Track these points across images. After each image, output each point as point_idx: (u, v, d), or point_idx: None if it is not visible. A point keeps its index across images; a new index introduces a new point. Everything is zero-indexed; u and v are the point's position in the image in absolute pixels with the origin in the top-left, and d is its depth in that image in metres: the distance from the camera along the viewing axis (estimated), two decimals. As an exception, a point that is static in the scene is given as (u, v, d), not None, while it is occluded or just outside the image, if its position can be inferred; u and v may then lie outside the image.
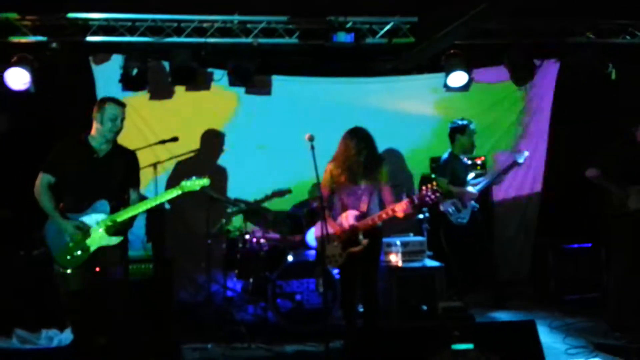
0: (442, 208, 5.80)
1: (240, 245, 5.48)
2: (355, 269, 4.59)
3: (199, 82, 6.20)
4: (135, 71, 5.84)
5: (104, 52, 6.07)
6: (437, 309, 4.55)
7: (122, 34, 5.77)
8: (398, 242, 5.46)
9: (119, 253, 4.03)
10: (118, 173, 4.05)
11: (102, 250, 3.95)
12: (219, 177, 6.32)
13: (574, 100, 6.58)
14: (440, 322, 4.27)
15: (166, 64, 6.15)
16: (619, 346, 4.57)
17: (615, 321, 4.93)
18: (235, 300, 5.80)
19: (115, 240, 3.96)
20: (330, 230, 4.52)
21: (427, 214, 5.75)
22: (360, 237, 4.49)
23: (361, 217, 4.54)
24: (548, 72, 6.68)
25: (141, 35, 5.80)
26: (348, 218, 4.58)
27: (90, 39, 5.74)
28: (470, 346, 3.46)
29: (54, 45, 5.66)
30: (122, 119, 4.04)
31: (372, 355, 3.63)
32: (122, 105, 4.07)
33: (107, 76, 6.04)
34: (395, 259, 5.44)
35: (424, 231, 5.73)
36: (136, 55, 5.90)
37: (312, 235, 5.01)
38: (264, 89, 6.44)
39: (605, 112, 6.65)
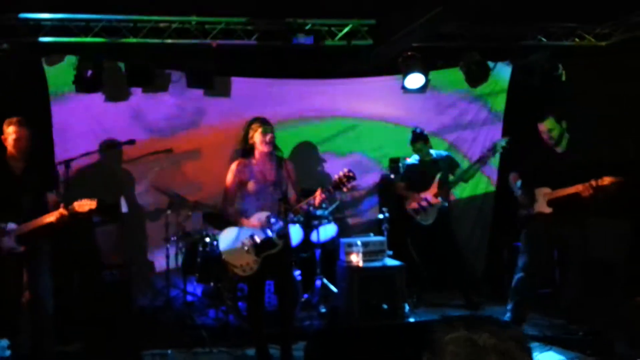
0: (407, 207, 5.89)
1: (200, 248, 5.43)
2: (267, 274, 4.31)
3: (156, 83, 6.10)
4: (89, 72, 5.71)
5: (57, 53, 5.90)
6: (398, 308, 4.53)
7: (75, 35, 5.63)
8: (359, 242, 5.51)
9: (41, 263, 4.11)
10: (34, 185, 4.09)
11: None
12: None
13: (527, 102, 6.77)
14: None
15: (122, 65, 6.04)
16: (572, 339, 4.71)
17: (517, 318, 4.98)
18: (196, 305, 5.75)
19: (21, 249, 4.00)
20: (245, 237, 4.20)
21: (387, 214, 5.81)
22: (275, 238, 4.21)
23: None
24: (501, 75, 6.85)
25: (96, 35, 5.68)
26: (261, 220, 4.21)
27: (42, 39, 5.59)
28: None
29: (4, 46, 5.50)
30: (29, 138, 4.03)
31: (335, 356, 3.66)
32: (25, 125, 4.04)
33: (60, 78, 5.90)
34: (356, 259, 5.48)
35: (384, 231, 5.79)
36: (90, 56, 5.77)
37: (225, 242, 4.36)
38: (223, 91, 6.39)
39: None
